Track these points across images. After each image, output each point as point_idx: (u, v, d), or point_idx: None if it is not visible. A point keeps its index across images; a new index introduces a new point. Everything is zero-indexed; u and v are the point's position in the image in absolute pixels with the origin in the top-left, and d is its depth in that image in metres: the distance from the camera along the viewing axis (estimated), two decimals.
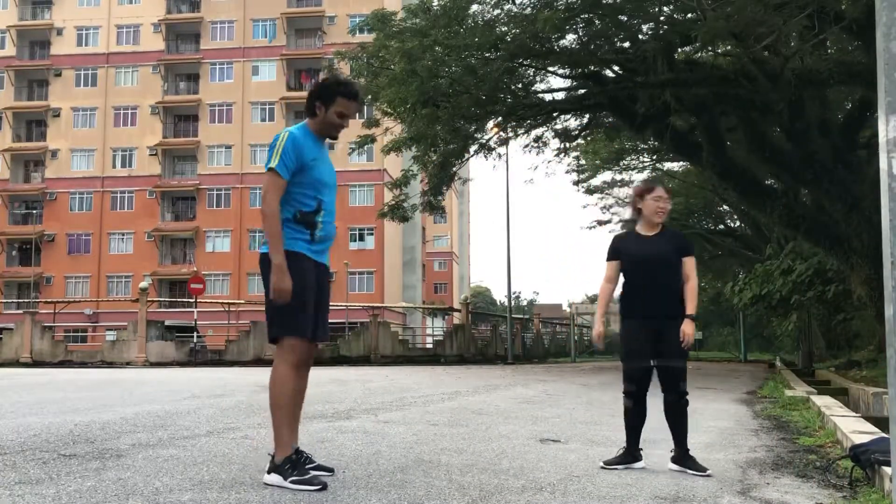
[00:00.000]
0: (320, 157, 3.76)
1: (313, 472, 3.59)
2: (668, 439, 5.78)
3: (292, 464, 3.53)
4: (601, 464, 4.58)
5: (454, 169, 21.44)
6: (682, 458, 4.53)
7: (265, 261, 3.64)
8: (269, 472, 3.56)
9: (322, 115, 3.73)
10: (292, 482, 3.46)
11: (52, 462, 3.97)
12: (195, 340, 21.11)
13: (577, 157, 30.39)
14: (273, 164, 3.57)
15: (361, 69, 19.66)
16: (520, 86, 18.34)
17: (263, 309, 3.74)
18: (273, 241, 3.59)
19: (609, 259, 4.84)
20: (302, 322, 3.60)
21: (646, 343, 4.70)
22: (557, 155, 24.38)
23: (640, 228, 4.76)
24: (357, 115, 4.01)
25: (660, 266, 4.66)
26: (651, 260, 4.66)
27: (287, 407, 3.60)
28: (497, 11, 16.47)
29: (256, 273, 55.02)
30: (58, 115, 53.47)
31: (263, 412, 6.60)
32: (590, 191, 36.14)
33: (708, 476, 4.26)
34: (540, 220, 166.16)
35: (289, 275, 3.53)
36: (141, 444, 4.64)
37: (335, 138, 3.88)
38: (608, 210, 38.19)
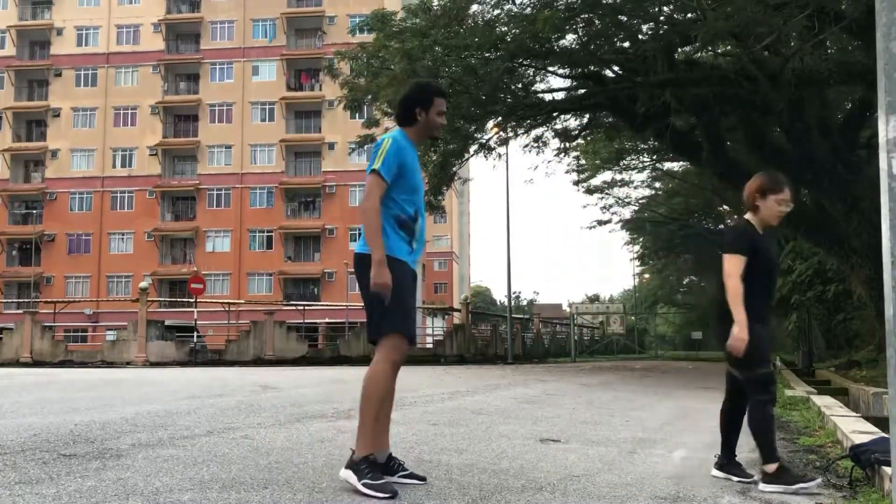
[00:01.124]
0: (417, 166, 3.83)
1: (387, 478, 3.53)
2: (668, 439, 5.79)
3: (370, 464, 3.46)
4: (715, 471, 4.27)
5: (454, 169, 21.44)
6: (730, 465, 4.31)
7: (362, 260, 3.63)
8: (345, 468, 3.53)
9: (424, 119, 3.81)
10: (364, 485, 3.39)
11: (52, 462, 3.97)
12: (195, 340, 21.11)
13: (577, 157, 30.40)
14: (377, 166, 3.61)
15: (361, 69, 19.66)
16: (520, 86, 18.34)
17: (364, 308, 3.69)
18: (373, 237, 3.58)
19: (743, 253, 4.04)
20: (408, 322, 3.64)
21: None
22: (557, 155, 24.41)
23: (754, 223, 4.20)
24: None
25: (777, 268, 4.35)
26: (776, 261, 4.29)
27: (380, 404, 3.57)
28: (497, 11, 16.48)
29: (256, 273, 54.82)
30: (58, 115, 53.47)
31: (263, 412, 6.60)
32: (590, 191, 36.14)
33: (753, 482, 4.07)
34: (540, 220, 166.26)
35: (388, 270, 3.53)
36: (141, 444, 4.64)
37: (438, 138, 4.00)
38: (608, 210, 38.26)
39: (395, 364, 3.60)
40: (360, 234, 3.71)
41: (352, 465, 3.49)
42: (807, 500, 3.75)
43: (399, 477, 3.68)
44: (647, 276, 59.68)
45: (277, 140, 51.87)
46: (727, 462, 4.30)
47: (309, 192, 52.11)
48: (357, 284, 3.71)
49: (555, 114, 19.99)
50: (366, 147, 23.01)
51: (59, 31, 54.19)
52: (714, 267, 4.60)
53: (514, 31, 16.04)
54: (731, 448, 4.32)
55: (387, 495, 3.35)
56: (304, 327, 24.59)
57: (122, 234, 52.57)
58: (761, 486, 3.98)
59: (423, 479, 3.76)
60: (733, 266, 4.03)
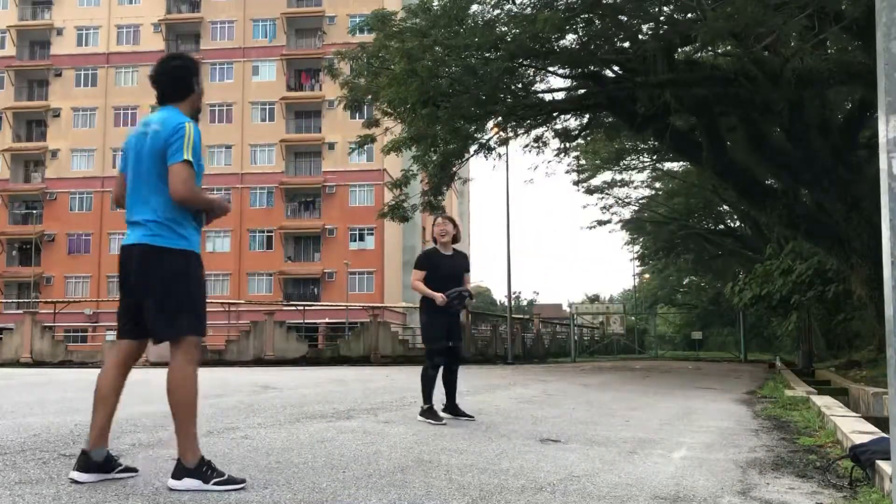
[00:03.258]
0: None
1: (103, 476, 3.47)
2: (668, 439, 5.79)
3: (207, 465, 3.45)
4: None
5: (454, 169, 21.43)
6: None
7: (161, 253, 3.46)
8: (178, 479, 3.38)
9: (198, 89, 3.82)
10: (216, 483, 3.38)
11: (52, 462, 3.97)
12: None
13: (577, 157, 30.41)
14: (189, 157, 3.46)
15: (361, 69, 19.66)
16: (520, 86, 18.33)
17: (163, 307, 3.47)
18: (203, 200, 3.57)
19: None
20: (204, 321, 3.60)
21: None
22: (557, 155, 24.41)
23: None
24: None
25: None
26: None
27: (196, 405, 3.56)
28: (497, 11, 16.47)
29: (256, 273, 54.83)
30: (58, 115, 53.47)
31: (263, 412, 6.61)
32: (590, 191, 36.17)
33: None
34: (540, 220, 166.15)
35: (219, 202, 3.62)
36: (141, 444, 4.64)
37: (200, 111, 3.95)
38: (608, 210, 38.27)
39: (197, 363, 3.58)
40: (151, 225, 3.52)
41: (189, 473, 3.37)
42: (807, 500, 3.75)
43: (117, 473, 3.55)
44: (647, 276, 59.67)
45: (277, 140, 51.87)
46: None
47: (309, 192, 52.09)
48: (147, 280, 3.45)
49: (555, 114, 19.98)
50: (365, 147, 23.04)
51: (59, 31, 54.19)
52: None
53: (514, 31, 16.04)
54: None
55: (239, 486, 3.42)
56: (304, 327, 24.58)
57: (122, 235, 52.43)
58: None
59: (135, 469, 3.66)
60: None
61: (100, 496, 3.23)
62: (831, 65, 15.18)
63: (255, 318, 22.78)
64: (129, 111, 53.59)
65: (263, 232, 51.63)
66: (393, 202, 21.57)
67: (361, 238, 50.90)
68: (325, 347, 23.02)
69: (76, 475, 3.41)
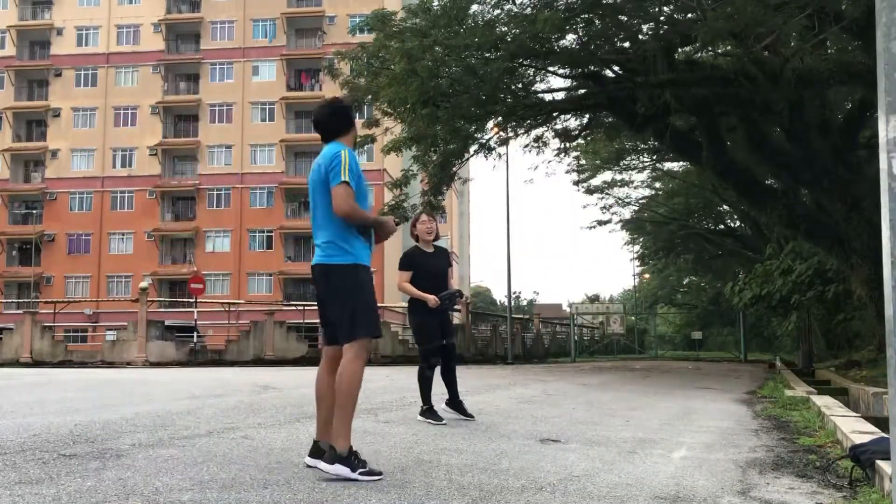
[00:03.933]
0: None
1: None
2: (668, 439, 5.79)
3: (356, 455, 3.78)
4: None
5: (454, 169, 21.42)
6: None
7: (340, 270, 3.95)
8: (330, 463, 3.75)
9: (354, 128, 4.28)
10: (361, 474, 3.71)
11: (52, 462, 3.97)
12: (195, 340, 21.11)
13: (577, 157, 30.40)
14: (346, 178, 3.91)
15: (361, 69, 19.65)
16: (520, 86, 18.33)
17: (343, 311, 3.96)
18: (364, 219, 3.99)
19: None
20: (378, 323, 4.08)
21: None
22: (557, 155, 24.39)
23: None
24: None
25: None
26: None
27: (356, 400, 3.98)
28: (497, 11, 16.47)
29: (256, 273, 54.83)
30: (58, 115, 53.46)
31: (264, 412, 6.61)
32: (590, 191, 36.15)
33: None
34: (540, 220, 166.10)
35: (387, 223, 4.16)
36: (141, 444, 4.64)
37: (356, 142, 4.58)
38: (608, 210, 38.25)
39: (364, 363, 3.98)
40: (325, 246, 4.00)
41: (340, 459, 3.73)
42: (807, 500, 3.75)
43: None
44: (647, 276, 59.65)
45: (277, 140, 51.87)
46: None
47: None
48: (329, 294, 4.00)
49: (555, 114, 19.97)
50: (365, 147, 23.03)
51: (59, 31, 54.18)
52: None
53: (514, 31, 16.03)
54: None
55: (378, 477, 3.76)
56: (304, 327, 24.57)
57: (122, 234, 52.57)
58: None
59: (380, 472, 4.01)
60: None
61: (100, 496, 3.23)
62: (831, 65, 15.18)
63: (255, 318, 22.79)
64: (129, 111, 53.59)
65: (263, 232, 51.63)
66: (393, 202, 21.57)
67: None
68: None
69: (308, 460, 3.98)
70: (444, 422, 6.08)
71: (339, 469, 3.70)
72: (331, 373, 4.03)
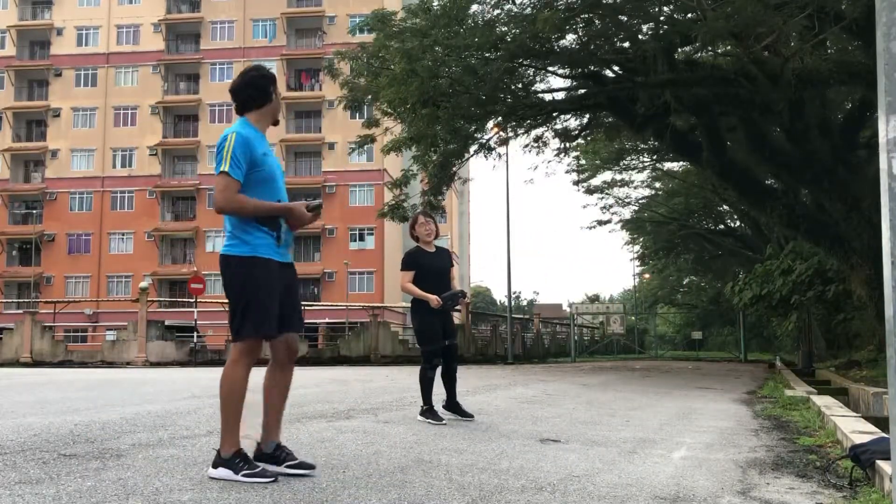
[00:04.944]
0: (268, 152, 3.80)
1: (273, 468, 3.69)
2: (668, 439, 5.79)
3: (242, 458, 3.62)
4: None
5: (454, 169, 21.43)
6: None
7: (227, 260, 3.68)
8: (214, 467, 3.63)
9: (275, 99, 3.86)
10: (244, 475, 3.55)
11: (52, 462, 3.97)
12: (195, 340, 21.11)
13: (577, 157, 30.39)
14: (225, 168, 3.57)
15: (361, 69, 19.65)
16: (520, 86, 18.33)
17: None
18: (254, 210, 3.62)
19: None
20: (265, 322, 3.66)
21: None
22: (557, 155, 24.38)
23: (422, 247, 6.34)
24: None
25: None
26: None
27: (240, 403, 3.70)
28: (497, 11, 16.47)
29: None
30: (58, 115, 53.47)
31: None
32: (590, 191, 36.14)
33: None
34: (540, 220, 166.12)
35: (298, 211, 3.69)
36: (141, 444, 4.64)
37: (278, 122, 4.00)
38: (608, 210, 38.25)
39: (248, 365, 3.68)
40: (227, 236, 3.73)
41: (223, 463, 3.60)
42: (807, 500, 3.75)
43: (286, 466, 3.76)
44: (647, 276, 59.64)
45: (277, 140, 51.84)
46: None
47: (309, 192, 52.00)
48: (224, 286, 3.70)
49: (555, 114, 19.98)
50: (365, 147, 23.06)
51: (59, 31, 54.19)
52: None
53: (514, 31, 16.03)
54: None
55: (269, 479, 3.54)
56: (304, 327, 24.59)
57: (122, 234, 52.57)
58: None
59: (311, 466, 3.85)
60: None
61: (100, 496, 3.23)
62: (831, 65, 15.17)
63: None
64: (129, 111, 53.60)
65: None
66: (393, 202, 21.58)
67: (361, 238, 50.90)
68: (325, 347, 23.02)
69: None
70: (444, 422, 6.08)
71: (222, 472, 3.57)
72: (276, 367, 3.86)
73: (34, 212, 51.84)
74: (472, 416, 6.48)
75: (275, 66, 52.94)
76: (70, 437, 4.81)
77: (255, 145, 3.68)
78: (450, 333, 6.41)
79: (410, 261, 6.42)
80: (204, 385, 9.90)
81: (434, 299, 6.17)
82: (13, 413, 6.14)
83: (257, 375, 3.77)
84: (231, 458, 3.59)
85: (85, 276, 51.94)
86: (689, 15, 15.26)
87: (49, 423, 5.49)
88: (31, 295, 48.76)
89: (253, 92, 3.81)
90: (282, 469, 3.74)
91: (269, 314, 3.65)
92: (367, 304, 32.17)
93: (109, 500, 3.17)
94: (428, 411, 6.18)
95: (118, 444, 4.63)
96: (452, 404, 6.51)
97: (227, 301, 3.72)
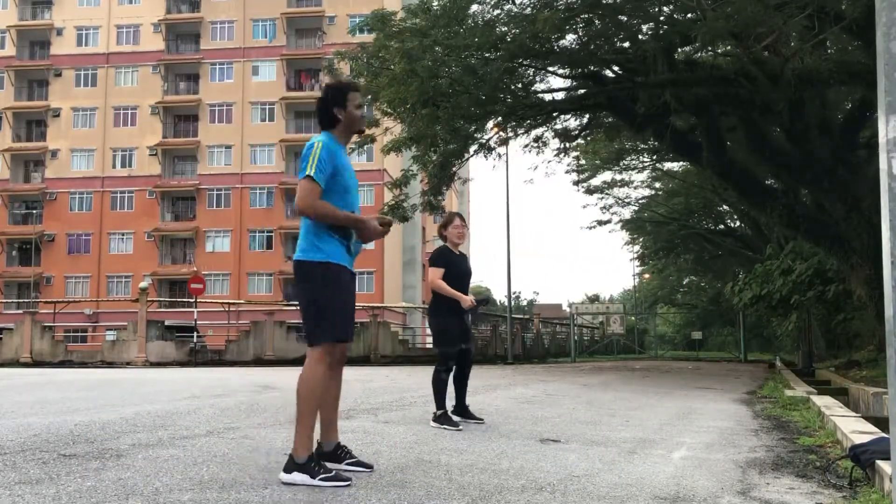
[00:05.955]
0: (347, 165, 3.93)
1: (335, 467, 3.81)
2: (668, 439, 5.79)
3: (317, 462, 3.66)
4: None
5: (454, 169, 21.42)
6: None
7: (301, 267, 3.80)
8: (288, 472, 3.63)
9: (344, 116, 3.93)
10: (321, 479, 3.57)
11: (52, 462, 3.97)
12: (195, 340, 21.12)
13: (577, 157, 30.37)
14: (311, 172, 3.70)
15: (361, 69, 19.63)
16: (520, 86, 18.32)
17: (300, 313, 3.86)
18: (334, 218, 3.74)
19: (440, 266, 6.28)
20: (343, 327, 3.83)
21: None
22: (557, 155, 24.36)
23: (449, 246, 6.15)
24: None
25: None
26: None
27: (316, 406, 3.79)
28: (497, 11, 16.47)
29: (256, 273, 54.88)
30: (58, 115, 53.46)
31: (264, 412, 6.60)
32: (590, 191, 36.14)
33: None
34: (540, 220, 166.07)
35: (369, 223, 3.80)
36: (141, 444, 4.64)
37: (363, 131, 4.19)
38: (608, 210, 38.25)
39: (327, 369, 3.79)
40: (300, 241, 3.85)
41: (298, 467, 3.61)
42: (807, 500, 3.75)
43: (346, 465, 3.93)
44: (647, 276, 59.64)
45: (277, 140, 51.88)
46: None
47: None
48: (296, 291, 3.85)
49: (555, 114, 19.96)
50: (365, 147, 23.03)
51: (59, 31, 54.18)
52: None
53: (514, 31, 16.03)
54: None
55: (345, 483, 3.58)
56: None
57: (122, 234, 52.57)
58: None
59: (369, 466, 4.00)
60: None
61: (100, 496, 3.23)
62: (831, 65, 15.16)
63: (255, 318, 22.80)
64: (129, 111, 53.60)
65: (263, 232, 51.65)
66: (393, 202, 21.57)
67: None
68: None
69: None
70: (460, 427, 5.88)
71: (297, 477, 3.58)
72: (330, 373, 3.94)
73: (34, 212, 51.84)
74: (482, 419, 6.40)
75: (274, 66, 53.01)
76: (70, 437, 4.81)
77: (338, 156, 3.81)
78: (468, 338, 6.34)
79: (443, 259, 6.28)
80: (204, 385, 9.90)
81: (468, 300, 6.10)
82: (13, 413, 6.14)
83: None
84: (307, 463, 3.61)
85: (85, 276, 51.94)
86: (689, 15, 15.26)
87: (49, 423, 5.49)
88: (31, 295, 48.77)
89: (322, 117, 3.96)
90: (342, 466, 3.89)
91: (343, 319, 3.81)
92: (367, 304, 32.14)
93: (109, 500, 3.17)
94: (442, 417, 6.00)
95: (118, 444, 4.63)
96: (461, 408, 6.42)
97: (298, 306, 3.87)
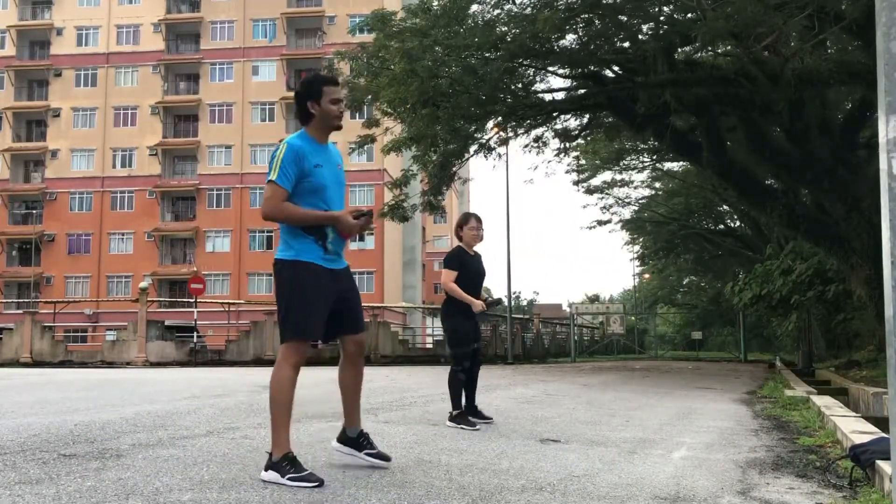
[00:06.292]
0: (324, 162, 3.86)
1: (353, 452, 4.05)
2: (668, 439, 5.79)
3: (290, 461, 3.62)
4: None
5: (454, 169, 21.42)
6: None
7: (276, 266, 3.80)
8: (265, 469, 3.66)
9: (319, 111, 3.84)
10: (289, 479, 3.55)
11: (52, 462, 3.97)
12: (195, 340, 21.12)
13: (577, 157, 30.36)
14: (273, 177, 3.67)
15: (361, 69, 19.65)
16: (520, 86, 18.32)
17: (276, 311, 3.89)
18: (299, 219, 3.72)
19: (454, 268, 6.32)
20: (308, 326, 3.79)
21: None
22: (557, 155, 24.36)
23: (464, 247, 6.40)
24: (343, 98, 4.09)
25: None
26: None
27: (288, 406, 3.78)
28: (497, 11, 16.47)
29: (256, 273, 54.95)
30: (58, 115, 53.48)
31: (264, 412, 6.59)
32: (590, 191, 36.13)
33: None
34: (540, 220, 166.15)
35: (343, 218, 3.75)
36: (141, 444, 4.64)
37: (341, 127, 4.00)
38: (608, 210, 38.24)
39: (295, 366, 3.77)
40: (280, 241, 3.87)
41: (272, 466, 3.63)
42: (807, 500, 3.75)
43: (365, 454, 4.06)
44: (647, 276, 59.63)
45: (277, 140, 51.75)
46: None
47: None
48: (277, 289, 3.83)
49: (555, 114, 19.96)
50: (365, 147, 23.04)
51: (59, 31, 54.20)
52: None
53: (514, 31, 16.03)
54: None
55: (314, 484, 3.52)
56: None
57: (122, 234, 52.58)
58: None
59: (387, 458, 4.11)
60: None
61: (100, 496, 3.23)
62: (831, 65, 15.16)
63: (255, 318, 22.79)
64: (129, 111, 53.61)
65: (263, 232, 51.66)
66: (393, 202, 21.57)
67: (361, 238, 50.86)
68: (325, 347, 23.02)
69: (334, 444, 4.19)
70: (477, 427, 5.89)
71: (270, 475, 3.60)
72: (348, 364, 4.15)
73: (34, 212, 51.85)
74: (491, 418, 6.40)
75: (274, 66, 53.02)
76: (70, 437, 4.81)
77: (306, 157, 3.74)
78: (477, 337, 6.36)
79: (456, 260, 6.24)
80: (204, 385, 9.90)
81: (479, 304, 6.08)
82: (13, 413, 6.14)
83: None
84: (279, 462, 3.61)
85: (85, 276, 51.95)
86: (689, 15, 15.26)
87: (49, 423, 5.49)
88: (31, 295, 48.77)
89: (298, 112, 3.90)
90: (361, 455, 4.04)
91: (310, 317, 3.75)
92: (367, 304, 32.14)
93: (109, 500, 3.17)
94: (459, 416, 6.00)
95: (118, 444, 4.63)
96: (472, 408, 6.39)
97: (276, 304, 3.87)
